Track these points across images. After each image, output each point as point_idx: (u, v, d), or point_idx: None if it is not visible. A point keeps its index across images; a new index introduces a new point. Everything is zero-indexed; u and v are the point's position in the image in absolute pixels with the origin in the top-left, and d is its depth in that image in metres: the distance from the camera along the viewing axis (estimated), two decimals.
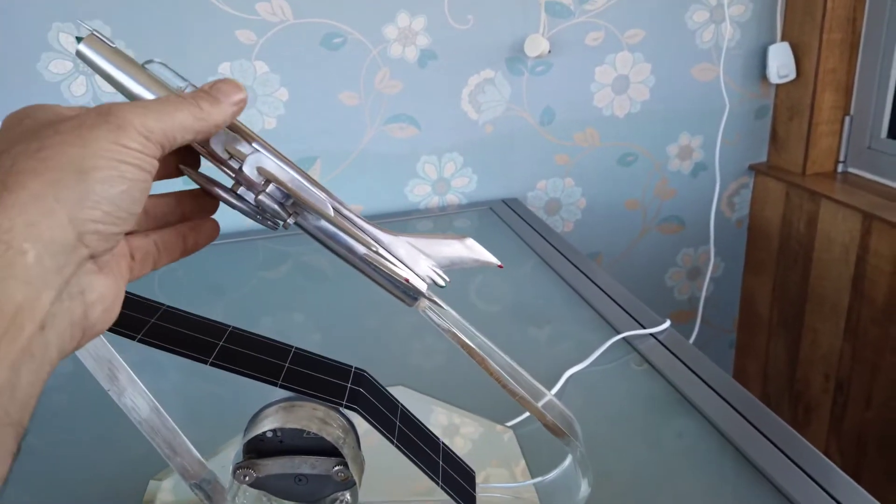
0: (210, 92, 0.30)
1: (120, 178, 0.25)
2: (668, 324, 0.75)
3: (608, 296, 0.88)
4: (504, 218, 1.13)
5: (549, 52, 1.09)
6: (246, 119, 1.06)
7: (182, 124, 0.28)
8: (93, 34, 0.35)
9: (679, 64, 1.18)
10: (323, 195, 0.37)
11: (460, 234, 0.42)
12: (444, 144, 1.15)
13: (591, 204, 1.24)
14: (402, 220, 1.15)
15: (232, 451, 0.52)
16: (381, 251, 0.38)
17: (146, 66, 0.36)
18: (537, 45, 1.07)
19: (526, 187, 1.20)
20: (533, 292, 0.96)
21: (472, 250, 0.41)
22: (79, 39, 0.36)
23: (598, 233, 1.26)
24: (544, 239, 1.08)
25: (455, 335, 0.41)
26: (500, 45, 1.10)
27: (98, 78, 0.96)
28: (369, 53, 1.06)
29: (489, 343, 0.45)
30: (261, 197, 0.35)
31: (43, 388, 0.23)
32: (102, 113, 0.26)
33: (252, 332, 0.45)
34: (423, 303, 0.41)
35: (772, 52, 1.20)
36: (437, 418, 0.59)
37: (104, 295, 0.26)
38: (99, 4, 0.93)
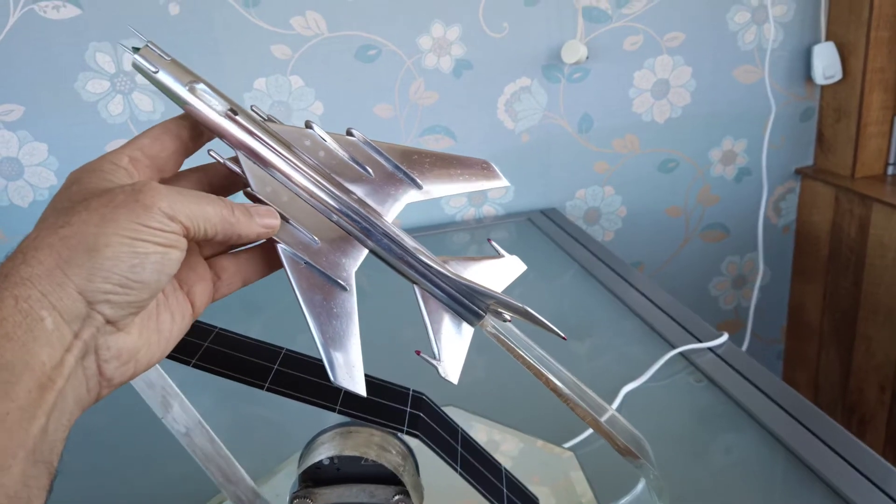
0: (248, 207, 0.33)
1: (131, 254, 0.27)
2: (725, 337, 0.72)
3: (658, 307, 0.85)
4: (543, 228, 1.10)
5: (587, 57, 1.06)
6: None
7: (210, 219, 0.30)
8: (148, 46, 0.34)
9: (721, 66, 1.15)
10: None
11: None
12: (480, 155, 1.12)
13: (632, 212, 1.21)
14: (439, 234, 1.13)
15: (284, 477, 0.51)
16: (450, 269, 0.36)
17: (195, 85, 0.34)
18: (575, 52, 1.05)
19: (564, 197, 1.18)
20: (577, 304, 0.93)
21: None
22: (135, 50, 0.34)
23: (640, 242, 1.23)
24: (586, 249, 1.06)
25: (521, 355, 0.39)
26: (536, 52, 1.08)
27: (135, 97, 0.96)
28: (404, 65, 1.04)
29: (551, 360, 0.43)
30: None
31: (67, 434, 0.26)
32: (136, 191, 0.28)
33: (304, 354, 0.44)
34: (489, 322, 0.39)
35: (816, 52, 1.16)
36: (492, 440, 0.57)
37: (120, 352, 0.29)
38: (135, 23, 0.93)
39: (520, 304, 0.36)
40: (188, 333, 0.41)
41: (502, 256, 0.40)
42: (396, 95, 1.06)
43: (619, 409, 0.62)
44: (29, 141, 0.96)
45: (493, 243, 0.40)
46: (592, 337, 0.82)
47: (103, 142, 0.98)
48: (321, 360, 0.38)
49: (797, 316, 1.35)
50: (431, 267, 0.38)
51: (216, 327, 0.43)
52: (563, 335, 0.36)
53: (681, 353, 0.70)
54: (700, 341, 0.72)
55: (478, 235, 1.12)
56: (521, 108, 1.11)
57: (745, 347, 1.22)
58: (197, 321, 0.43)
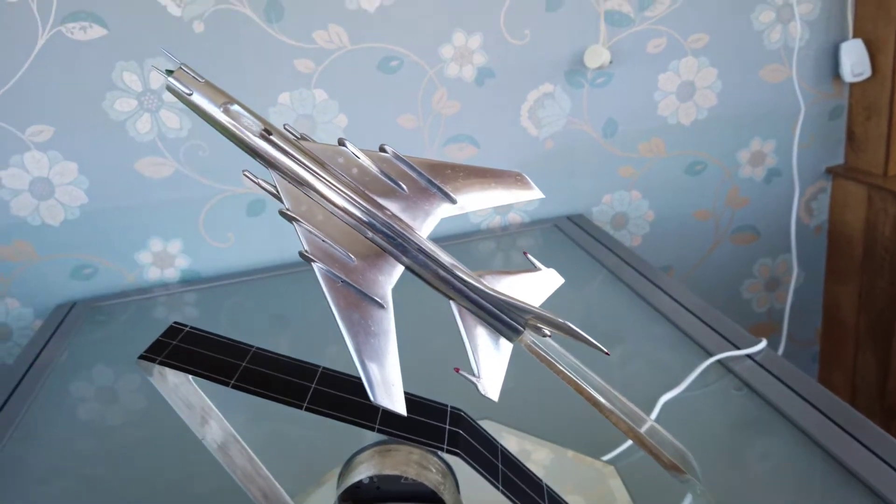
0: None
1: None
2: (763, 343, 0.70)
3: (691, 313, 0.83)
4: (570, 234, 1.09)
5: (611, 62, 1.06)
6: None
7: None
8: (181, 68, 0.34)
9: (747, 66, 1.13)
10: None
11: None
12: (504, 163, 1.12)
13: (660, 216, 1.19)
14: (464, 242, 1.12)
15: (323, 495, 0.50)
16: (485, 285, 0.36)
17: (229, 106, 0.34)
18: (598, 56, 1.04)
19: (591, 202, 1.17)
20: (607, 311, 0.92)
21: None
22: (169, 73, 0.34)
23: (668, 246, 1.21)
24: (614, 254, 1.04)
25: (561, 370, 0.38)
26: (559, 58, 1.07)
27: (162, 115, 0.97)
28: (426, 75, 1.04)
29: (589, 371, 0.42)
30: None
31: None
32: None
33: (341, 372, 0.43)
34: (527, 336, 0.38)
35: (844, 49, 1.14)
36: (530, 454, 0.56)
37: None
38: (160, 42, 0.94)
39: (561, 321, 0.36)
40: (226, 353, 0.41)
41: (539, 270, 0.39)
42: (419, 106, 1.06)
43: (657, 421, 0.61)
44: (59, 161, 0.97)
45: (530, 256, 0.40)
46: (625, 344, 0.81)
47: (132, 160, 0.99)
48: (358, 378, 0.38)
49: (832, 317, 1.32)
50: (468, 283, 0.37)
51: (252, 346, 0.42)
52: (606, 351, 0.35)
53: (718, 361, 0.69)
54: (737, 348, 0.71)
55: (503, 243, 1.11)
56: (545, 115, 1.10)
57: (780, 351, 1.20)
58: (233, 340, 0.43)
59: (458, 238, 1.13)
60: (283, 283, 1.06)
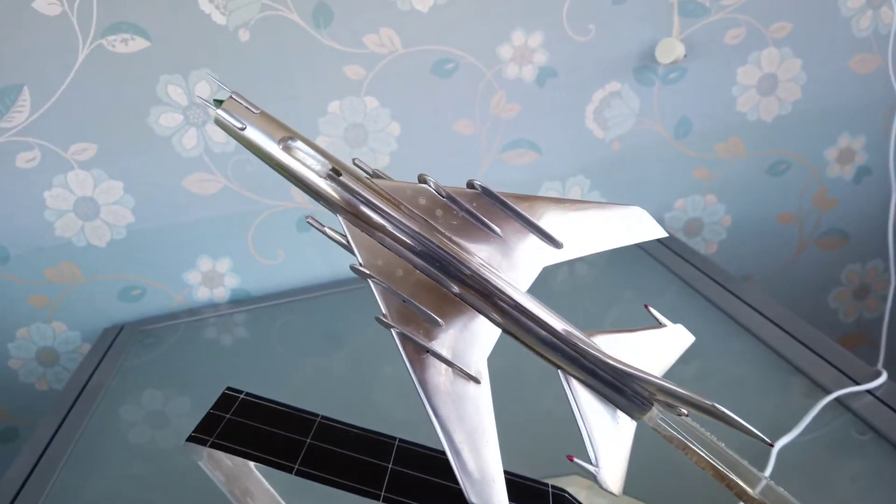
0: None
1: None
2: (884, 377, 0.62)
3: (780, 328, 0.75)
4: (639, 243, 1.01)
5: (685, 56, 0.97)
6: (359, 157, 1.00)
7: None
8: (233, 97, 0.28)
9: (834, 57, 1.03)
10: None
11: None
12: (567, 168, 1.05)
13: (738, 221, 1.10)
14: None
15: None
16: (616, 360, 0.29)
17: (289, 142, 0.28)
18: (671, 50, 0.96)
19: (662, 208, 1.08)
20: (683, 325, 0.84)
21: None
22: (218, 103, 0.28)
23: (747, 253, 1.12)
24: (688, 263, 0.97)
25: (699, 454, 0.31)
26: (627, 54, 0.99)
27: (208, 129, 0.92)
28: (483, 77, 0.97)
29: (711, 437, 0.35)
30: None
31: None
32: None
33: (420, 444, 0.37)
34: (654, 412, 0.31)
35: None
36: None
37: None
38: (205, 52, 0.89)
39: (706, 401, 0.29)
40: (288, 427, 0.35)
41: (664, 326, 0.32)
42: (476, 110, 0.99)
43: (775, 473, 0.53)
44: (104, 179, 0.93)
45: (652, 310, 0.33)
46: (701, 359, 0.73)
47: (179, 177, 0.95)
48: (443, 452, 0.31)
49: None
50: (582, 349, 0.30)
51: (317, 416, 0.36)
52: (769, 441, 0.28)
53: (834, 397, 0.61)
54: (854, 381, 0.62)
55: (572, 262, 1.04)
56: (612, 115, 1.02)
57: (880, 363, 1.10)
58: (295, 409, 0.37)
59: None
60: (335, 300, 1.01)
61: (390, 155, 0.99)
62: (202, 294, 1.03)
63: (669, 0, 0.96)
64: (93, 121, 0.90)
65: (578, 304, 0.93)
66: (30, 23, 0.83)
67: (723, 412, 0.28)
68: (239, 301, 1.04)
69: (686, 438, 0.31)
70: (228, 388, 0.36)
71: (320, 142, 0.96)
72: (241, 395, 0.35)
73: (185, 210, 0.97)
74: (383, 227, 0.30)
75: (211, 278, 1.02)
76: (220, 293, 1.03)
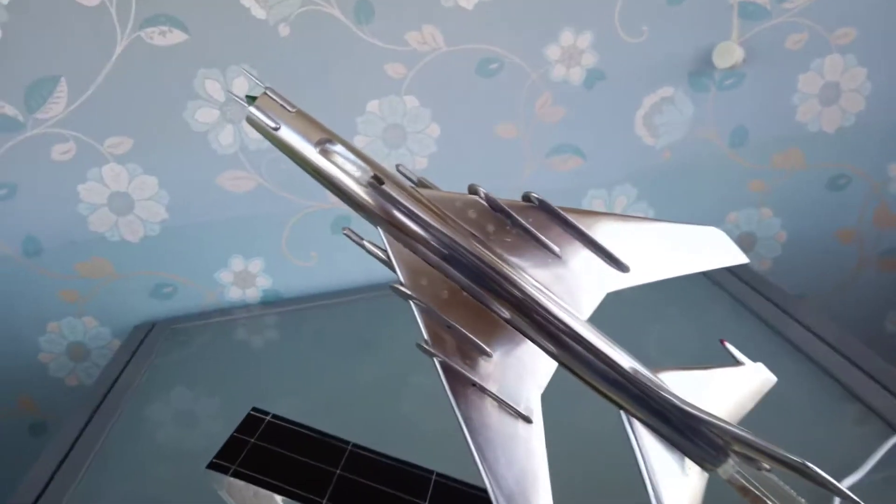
0: None
1: None
2: None
3: (845, 357, 0.70)
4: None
5: (744, 60, 0.92)
6: (396, 160, 0.97)
7: None
8: (266, 93, 0.25)
9: None
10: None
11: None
12: (614, 175, 1.00)
13: (794, 237, 1.04)
14: None
15: None
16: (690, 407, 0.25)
17: (328, 145, 0.25)
18: (730, 55, 0.91)
19: (713, 220, 1.03)
20: (733, 345, 0.80)
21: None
22: (251, 100, 0.25)
23: (803, 271, 1.06)
24: (740, 279, 0.92)
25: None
26: (681, 57, 0.94)
27: (245, 126, 0.90)
28: (528, 78, 0.93)
29: (801, 500, 0.31)
30: None
31: None
32: None
33: (459, 480, 0.33)
34: (730, 464, 0.27)
35: None
36: None
37: None
38: (243, 47, 0.87)
39: (795, 458, 0.25)
40: (315, 454, 0.32)
41: (742, 364, 0.28)
42: (520, 112, 0.95)
43: None
44: (139, 174, 0.92)
45: (729, 346, 0.29)
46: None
47: (214, 174, 0.93)
48: (484, 490, 0.27)
49: None
50: (648, 388, 0.26)
51: (348, 443, 0.33)
52: (860, 502, 0.24)
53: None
54: None
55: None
56: (663, 122, 0.97)
57: None
58: (325, 434, 0.34)
59: None
60: (368, 305, 0.98)
61: (429, 157, 0.96)
62: (234, 294, 1.01)
63: (729, 1, 0.91)
64: (129, 114, 0.89)
65: (613, 318, 0.89)
66: (68, 13, 0.82)
67: (816, 473, 0.24)
68: (270, 302, 1.02)
69: (767, 497, 0.27)
70: (254, 409, 0.33)
71: (358, 142, 0.93)
72: (268, 418, 0.32)
73: (219, 208, 0.95)
74: (428, 242, 0.26)
75: (243, 278, 1.00)
76: (252, 293, 1.01)
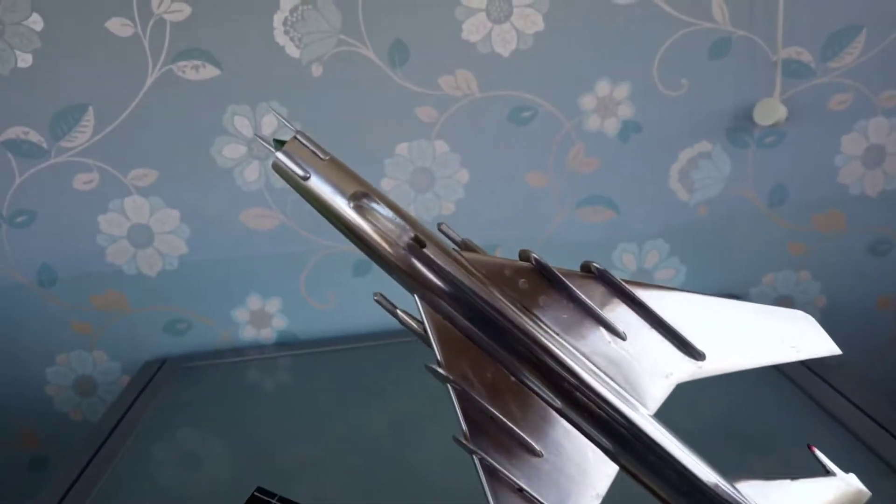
0: None
1: None
2: None
3: (883, 428, 0.67)
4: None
5: (787, 119, 0.89)
6: (423, 204, 0.94)
7: None
8: (297, 138, 0.22)
9: None
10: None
11: None
12: (646, 230, 0.97)
13: (833, 302, 1.00)
14: None
15: None
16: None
17: (364, 201, 0.22)
18: (772, 112, 0.88)
19: (749, 281, 0.99)
20: (766, 412, 0.77)
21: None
22: (279, 145, 0.22)
23: (841, 338, 1.00)
24: None
25: None
26: (721, 112, 0.92)
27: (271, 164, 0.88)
28: (562, 127, 0.91)
29: None
30: None
31: None
32: None
33: None
34: None
35: None
36: None
37: None
38: (275, 85, 0.86)
39: None
40: None
41: (833, 475, 0.24)
42: (552, 161, 0.93)
43: None
44: (161, 207, 0.90)
45: (818, 453, 0.25)
46: (784, 445, 0.66)
47: (237, 210, 0.91)
48: None
49: None
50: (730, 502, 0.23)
51: None
52: None
53: None
54: None
55: None
56: (699, 177, 0.94)
57: None
58: None
59: None
60: (383, 352, 0.94)
61: (456, 203, 0.93)
62: (248, 333, 0.98)
63: (772, 58, 0.88)
64: (156, 146, 0.88)
65: None
66: (100, 42, 0.81)
67: None
68: (285, 343, 0.99)
69: None
70: (258, 490, 0.29)
71: (384, 185, 0.91)
72: (273, 502, 0.29)
73: (240, 245, 0.92)
74: (472, 316, 0.23)
75: (259, 318, 0.97)
76: (267, 334, 0.98)
